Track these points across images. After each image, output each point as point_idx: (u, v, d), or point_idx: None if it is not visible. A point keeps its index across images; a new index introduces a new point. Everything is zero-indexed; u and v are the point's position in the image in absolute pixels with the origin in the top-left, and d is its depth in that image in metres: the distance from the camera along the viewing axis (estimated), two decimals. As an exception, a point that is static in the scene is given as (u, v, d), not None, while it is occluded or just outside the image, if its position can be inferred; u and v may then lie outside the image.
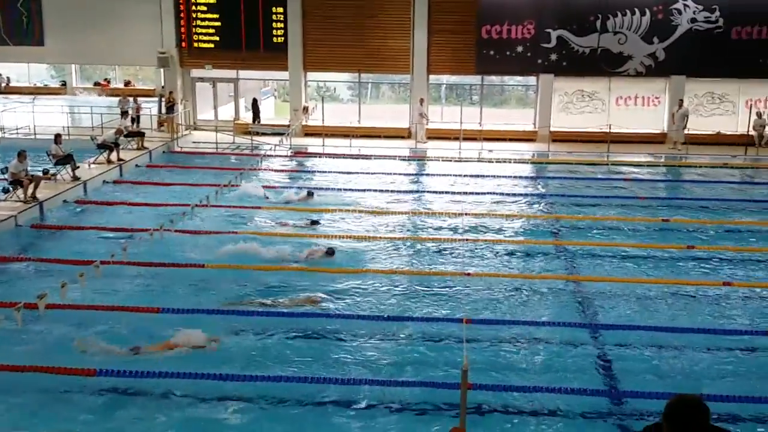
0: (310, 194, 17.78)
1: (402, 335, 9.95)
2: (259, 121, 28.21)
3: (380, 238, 14.45)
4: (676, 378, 8.86)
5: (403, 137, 27.88)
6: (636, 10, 26.54)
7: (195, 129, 28.48)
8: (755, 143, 26.08)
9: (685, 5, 26.36)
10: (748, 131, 26.33)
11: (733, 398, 8.17)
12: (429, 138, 27.27)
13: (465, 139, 25.88)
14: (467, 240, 14.34)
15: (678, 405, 3.65)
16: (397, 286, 11.74)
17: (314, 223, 15.62)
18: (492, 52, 27.15)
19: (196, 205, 15.65)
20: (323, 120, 27.75)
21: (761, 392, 8.38)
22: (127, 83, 40.06)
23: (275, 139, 24.96)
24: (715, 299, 11.48)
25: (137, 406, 8.13)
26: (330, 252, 13.34)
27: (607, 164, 23.15)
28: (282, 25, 27.52)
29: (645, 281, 12.30)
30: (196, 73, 29.06)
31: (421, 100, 27.15)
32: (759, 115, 26.48)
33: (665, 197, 19.50)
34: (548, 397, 8.30)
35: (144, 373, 8.48)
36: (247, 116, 29.26)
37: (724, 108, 27.86)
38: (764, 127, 26.42)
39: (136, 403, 8.19)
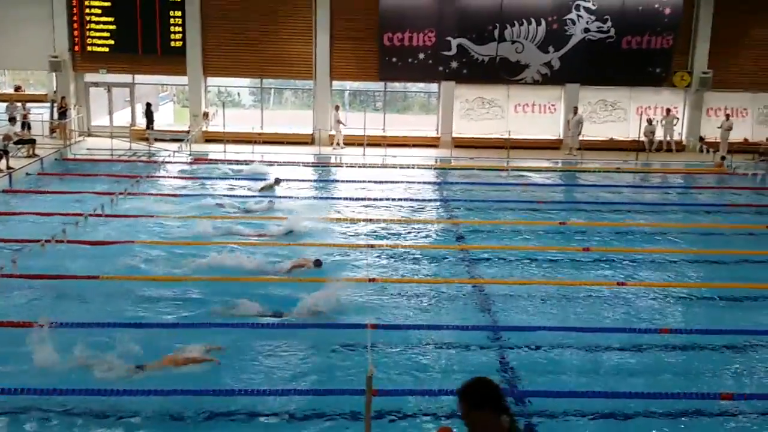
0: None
1: (306, 343, 9.81)
2: (152, 127, 27.40)
3: (284, 245, 14.26)
4: (575, 376, 9.08)
5: (306, 143, 27.75)
6: (532, 20, 27.34)
7: (89, 135, 27.52)
8: (646, 149, 27.29)
9: (578, 15, 27.34)
10: (639, 137, 27.52)
11: (628, 395, 8.45)
12: (333, 144, 27.30)
13: (369, 145, 25.99)
14: (371, 246, 14.33)
15: (469, 383, 4.00)
16: (300, 294, 11.56)
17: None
18: (394, 59, 27.39)
19: (90, 215, 15.10)
20: (224, 126, 27.26)
21: (655, 388, 8.68)
22: (17, 88, 38.20)
23: (174, 146, 24.36)
24: (610, 299, 11.87)
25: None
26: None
27: (507, 170, 23.70)
28: (180, 29, 26.93)
29: (544, 283, 12.60)
30: (90, 77, 28.08)
31: (337, 107, 27.21)
32: (649, 121, 27.73)
33: (562, 201, 20.13)
34: (453, 401, 8.33)
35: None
36: (144, 122, 28.46)
37: (616, 115, 29.05)
38: (654, 133, 27.71)
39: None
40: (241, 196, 18.38)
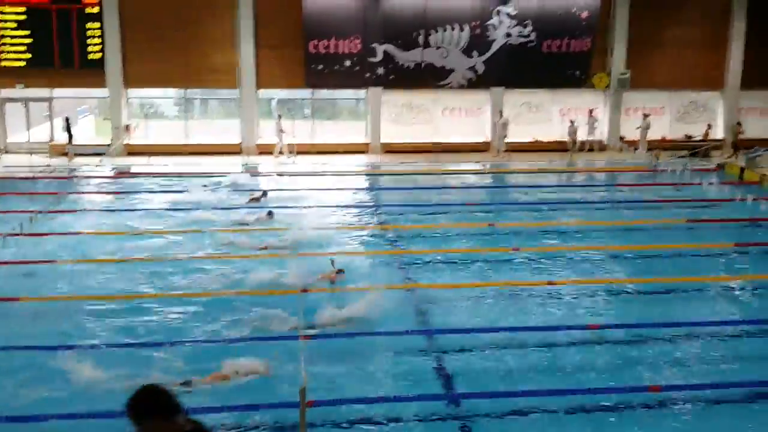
0: (269, 214, 17.25)
1: (238, 356, 9.60)
2: (71, 142, 26.59)
3: (211, 257, 13.99)
4: (510, 376, 9.15)
5: (234, 153, 27.40)
6: (456, 25, 27.65)
7: (6, 152, 26.59)
8: (569, 149, 27.89)
9: (500, 21, 27.78)
10: (562, 138, 28.11)
11: (561, 392, 8.57)
12: (261, 153, 27.03)
13: (299, 153, 25.81)
14: (304, 254, 14.17)
15: (132, 395, 3.79)
16: (229, 305, 11.34)
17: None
18: (321, 67, 27.32)
19: (9, 235, 14.55)
20: (148, 138, 26.69)
21: (586, 384, 8.83)
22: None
23: (96, 160, 23.74)
24: (540, 297, 12.03)
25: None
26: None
27: (436, 173, 23.87)
28: (99, 41, 26.27)
29: (476, 285, 12.69)
30: (5, 93, 27.12)
31: (280, 116, 26.94)
32: (572, 122, 28.36)
33: (491, 202, 20.38)
34: (389, 407, 8.30)
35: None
36: (63, 137, 27.62)
37: (540, 117, 29.60)
38: (577, 134, 28.34)
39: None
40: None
